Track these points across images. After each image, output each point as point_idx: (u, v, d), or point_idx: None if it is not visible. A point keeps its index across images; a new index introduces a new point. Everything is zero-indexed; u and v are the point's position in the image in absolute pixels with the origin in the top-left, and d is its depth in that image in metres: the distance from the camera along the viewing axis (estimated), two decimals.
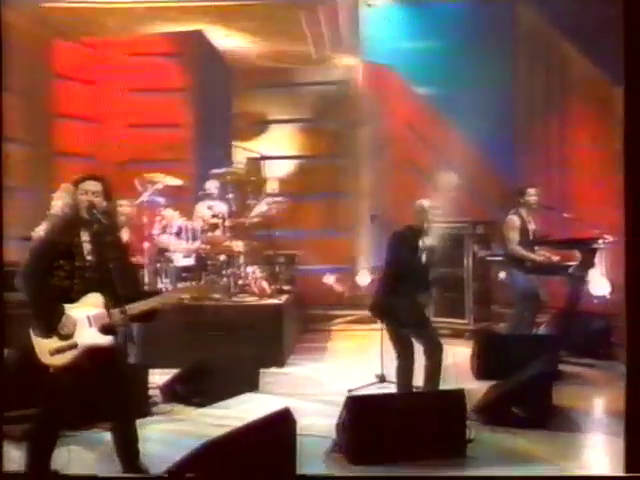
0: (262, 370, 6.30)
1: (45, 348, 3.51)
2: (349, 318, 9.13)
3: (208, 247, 7.55)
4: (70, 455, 3.93)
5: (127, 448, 3.78)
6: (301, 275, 8.93)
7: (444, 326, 8.21)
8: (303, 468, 3.88)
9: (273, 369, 6.59)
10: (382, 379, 5.86)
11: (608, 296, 7.78)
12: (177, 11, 7.04)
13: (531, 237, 6.75)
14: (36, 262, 3.57)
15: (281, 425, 3.79)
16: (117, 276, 3.58)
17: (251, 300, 7.33)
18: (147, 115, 9.51)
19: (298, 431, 4.08)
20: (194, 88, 9.59)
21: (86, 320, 3.55)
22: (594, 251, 6.55)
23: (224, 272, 7.52)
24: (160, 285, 7.34)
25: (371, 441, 4.04)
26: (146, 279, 7.34)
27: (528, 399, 4.61)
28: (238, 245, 7.84)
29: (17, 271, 3.58)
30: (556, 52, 8.46)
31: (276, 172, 9.57)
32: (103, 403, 3.81)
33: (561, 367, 6.43)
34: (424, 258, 5.02)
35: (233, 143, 9.66)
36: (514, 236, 6.66)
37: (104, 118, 9.39)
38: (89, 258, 3.60)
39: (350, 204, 9.41)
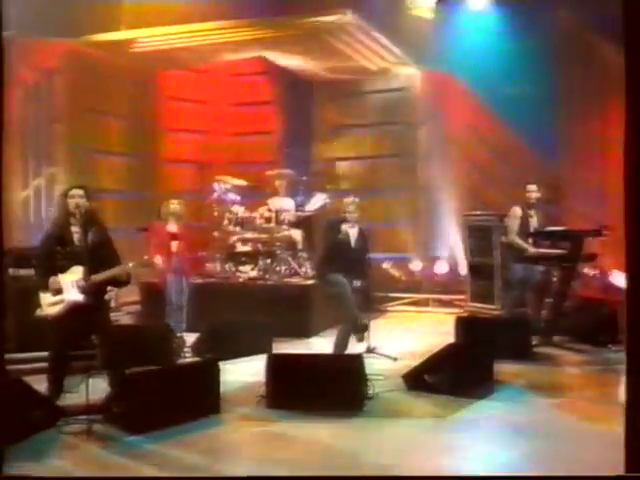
0: (290, 338, 7.45)
1: (44, 302, 4.94)
2: (405, 300, 9.85)
3: (265, 236, 8.75)
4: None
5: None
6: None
7: (476, 310, 8.66)
8: (229, 406, 4.97)
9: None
10: (369, 350, 6.67)
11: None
12: (235, 44, 8.25)
13: (531, 229, 7.01)
14: (40, 249, 5.02)
15: (204, 371, 4.88)
16: (98, 255, 4.93)
17: (295, 281, 8.40)
18: (244, 125, 10.96)
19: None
20: (281, 100, 10.80)
21: (71, 284, 4.92)
22: (581, 242, 6.66)
23: (279, 257, 8.66)
24: (225, 266, 8.73)
25: (284, 391, 4.95)
26: (218, 264, 8.78)
27: (438, 369, 5.20)
28: (296, 234, 8.94)
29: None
30: (596, 53, 8.35)
31: (346, 171, 10.50)
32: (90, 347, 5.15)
33: (549, 350, 6.78)
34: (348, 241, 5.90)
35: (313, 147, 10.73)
36: (514, 226, 6.98)
37: (209, 130, 10.95)
38: (77, 244, 4.96)
39: (409, 199, 10.03)
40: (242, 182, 9.05)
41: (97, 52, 8.22)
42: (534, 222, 7.06)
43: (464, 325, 6.55)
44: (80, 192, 4.99)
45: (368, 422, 4.66)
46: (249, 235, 8.75)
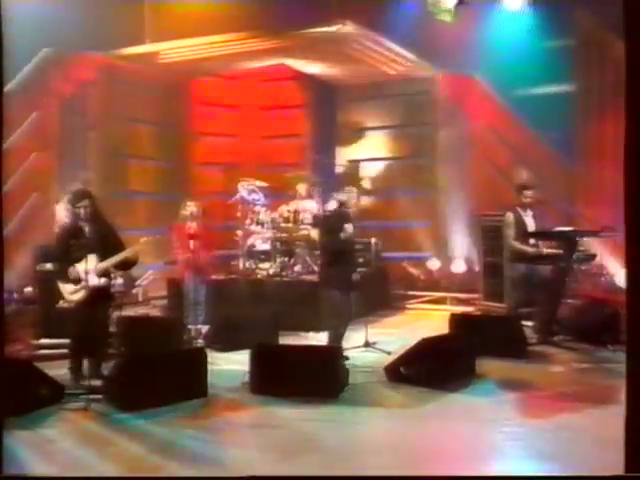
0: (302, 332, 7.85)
1: (67, 291, 5.53)
2: (423, 299, 10.06)
3: (284, 235, 9.18)
4: None
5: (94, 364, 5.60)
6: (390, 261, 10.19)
7: (488, 309, 8.80)
8: (215, 389, 5.42)
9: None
10: (366, 344, 7.00)
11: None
12: (251, 53, 8.74)
13: (530, 229, 7.14)
14: (57, 246, 5.65)
15: (192, 357, 5.36)
16: (105, 244, 5.53)
17: (309, 278, 8.78)
18: (273, 128, 11.42)
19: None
20: (308, 104, 11.21)
21: (89, 271, 5.49)
22: (574, 242, 6.76)
23: (297, 255, 9.07)
24: (246, 264, 9.21)
25: (266, 378, 5.36)
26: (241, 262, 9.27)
27: (412, 362, 5.49)
28: (314, 233, 9.31)
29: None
30: (610, 52, 8.35)
31: (369, 172, 10.82)
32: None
33: (547, 348, 6.92)
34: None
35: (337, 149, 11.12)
36: (509, 231, 7.16)
37: (241, 133, 11.47)
38: (88, 236, 5.55)
39: (429, 199, 10.24)
40: (264, 184, 9.50)
41: (127, 64, 8.88)
42: (530, 222, 7.18)
43: (457, 322, 6.78)
44: (86, 202, 5.57)
45: (336, 409, 5.03)
46: (269, 234, 9.21)
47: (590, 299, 7.58)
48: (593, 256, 7.11)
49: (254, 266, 9.20)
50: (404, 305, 9.93)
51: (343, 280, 6.28)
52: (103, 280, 5.50)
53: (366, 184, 10.77)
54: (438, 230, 10.14)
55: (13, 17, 6.61)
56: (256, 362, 5.44)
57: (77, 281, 5.49)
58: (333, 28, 7.64)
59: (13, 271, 7.44)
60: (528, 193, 7.12)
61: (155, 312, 8.91)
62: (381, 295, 9.92)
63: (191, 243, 7.87)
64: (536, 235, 6.98)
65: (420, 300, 10.07)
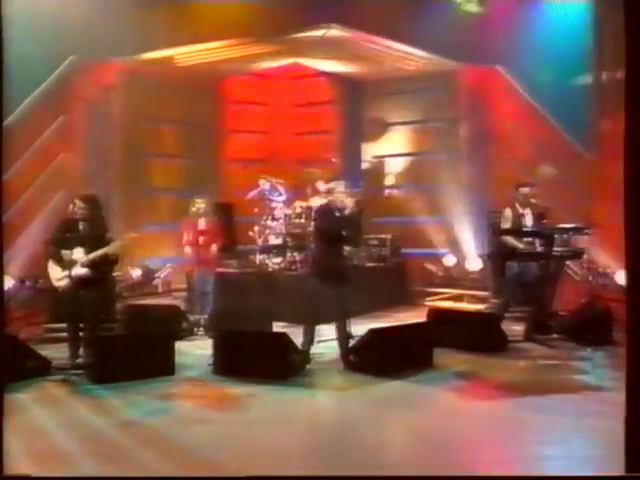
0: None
1: (55, 276, 6.55)
2: (442, 296, 10.49)
3: (297, 231, 9.94)
4: None
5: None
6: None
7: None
8: (185, 369, 6.30)
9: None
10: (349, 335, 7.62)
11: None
12: (272, 53, 9.57)
13: (525, 227, 7.51)
14: (54, 236, 6.65)
15: (162, 340, 6.24)
16: (96, 243, 6.49)
17: None
18: (306, 124, 12.19)
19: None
20: (338, 100, 11.91)
21: (76, 261, 6.49)
22: (552, 240, 7.07)
23: (309, 249, 9.80)
24: (261, 257, 10.04)
25: (228, 361, 6.17)
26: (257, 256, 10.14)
27: (360, 351, 6.11)
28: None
29: None
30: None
31: (392, 168, 11.38)
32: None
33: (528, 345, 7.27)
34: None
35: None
36: (505, 226, 7.54)
37: (273, 130, 12.33)
38: (82, 232, 6.55)
39: (450, 194, 10.65)
40: (281, 181, 10.31)
41: (148, 68, 9.91)
42: (528, 219, 7.53)
43: (434, 316, 7.29)
44: (82, 204, 6.54)
45: (278, 388, 5.76)
46: (282, 229, 10.00)
47: (587, 298, 7.82)
48: (581, 253, 7.36)
49: (267, 260, 10.03)
50: (422, 302, 10.41)
51: (327, 273, 6.53)
52: (86, 270, 6.47)
53: (389, 179, 11.36)
54: (456, 226, 10.54)
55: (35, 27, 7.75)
56: (218, 347, 6.26)
57: (65, 269, 6.51)
58: (319, 32, 8.28)
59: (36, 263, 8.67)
60: (525, 190, 7.49)
61: (176, 303, 9.91)
62: (396, 291, 10.46)
63: (200, 239, 8.80)
64: (516, 233, 7.34)
65: (438, 297, 10.52)
